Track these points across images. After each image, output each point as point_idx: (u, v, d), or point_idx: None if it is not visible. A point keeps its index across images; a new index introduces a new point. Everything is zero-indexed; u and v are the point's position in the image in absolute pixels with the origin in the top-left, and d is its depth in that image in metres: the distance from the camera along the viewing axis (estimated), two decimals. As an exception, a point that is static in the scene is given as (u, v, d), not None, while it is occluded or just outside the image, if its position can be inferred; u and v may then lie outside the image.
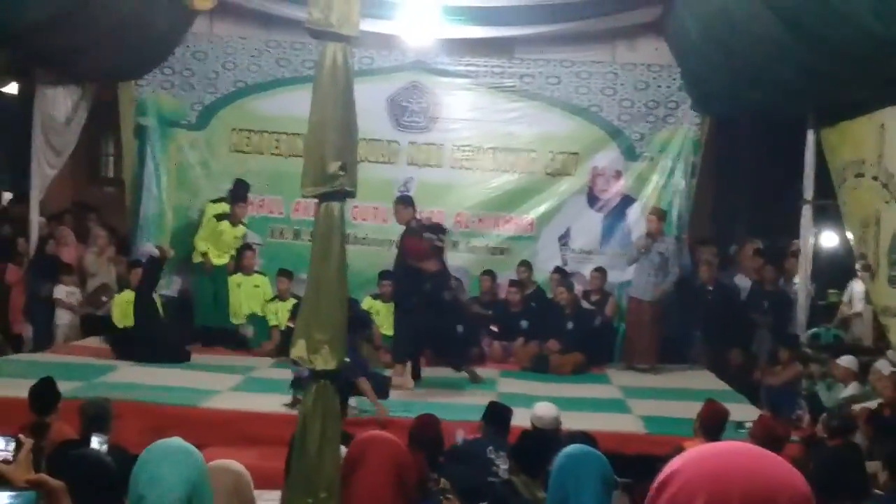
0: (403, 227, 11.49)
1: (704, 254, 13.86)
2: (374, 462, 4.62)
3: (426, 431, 6.94)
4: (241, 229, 13.69)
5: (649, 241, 12.76)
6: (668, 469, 1.76)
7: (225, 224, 13.54)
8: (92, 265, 13.69)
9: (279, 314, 13.12)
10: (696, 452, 1.77)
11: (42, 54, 11.95)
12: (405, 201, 11.67)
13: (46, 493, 3.00)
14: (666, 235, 13.09)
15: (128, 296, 12.94)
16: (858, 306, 12.25)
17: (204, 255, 13.56)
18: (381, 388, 9.72)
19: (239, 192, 13.75)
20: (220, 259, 13.56)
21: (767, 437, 6.87)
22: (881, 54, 8.02)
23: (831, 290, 13.38)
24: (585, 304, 13.29)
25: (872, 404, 9.07)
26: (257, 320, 13.50)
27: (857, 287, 12.27)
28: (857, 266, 11.76)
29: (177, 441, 3.48)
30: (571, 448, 4.47)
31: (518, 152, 14.50)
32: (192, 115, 14.62)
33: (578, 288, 13.60)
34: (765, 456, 1.74)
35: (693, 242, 14.26)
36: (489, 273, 13.88)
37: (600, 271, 13.70)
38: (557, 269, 13.75)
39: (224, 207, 13.61)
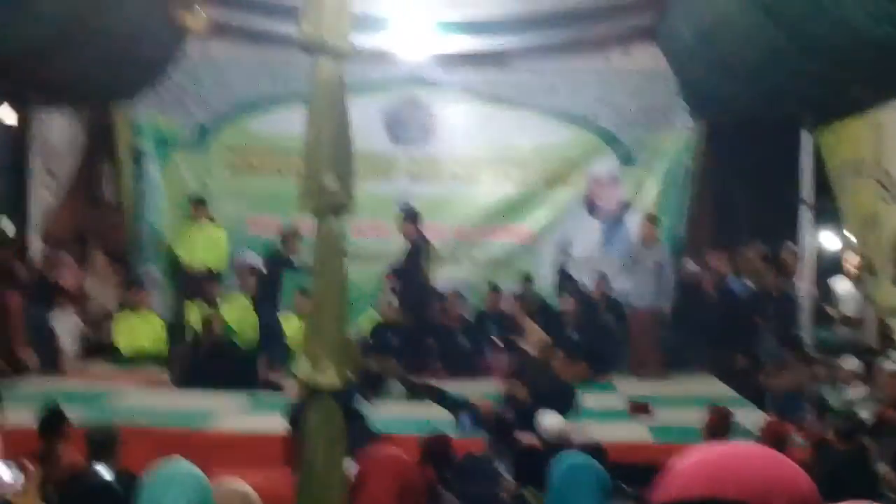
0: (404, 242, 11.51)
1: (707, 258, 13.83)
2: (379, 479, 4.60)
3: (436, 447, 6.94)
4: (212, 228, 13.73)
5: (643, 249, 12.77)
6: (667, 468, 1.76)
7: (193, 225, 13.77)
8: (92, 289, 13.67)
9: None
10: (696, 451, 1.78)
11: (37, 81, 11.95)
12: (409, 216, 11.68)
13: None
14: (660, 242, 13.08)
15: (129, 318, 12.94)
16: (847, 306, 12.13)
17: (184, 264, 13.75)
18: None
19: (194, 199, 13.87)
20: (191, 258, 13.63)
21: (775, 441, 6.84)
22: (875, 55, 8.02)
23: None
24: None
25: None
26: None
27: (840, 287, 12.19)
28: (848, 265, 11.78)
29: (180, 462, 3.47)
30: (568, 458, 4.48)
31: (515, 163, 14.51)
32: (189, 136, 14.63)
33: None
34: (764, 454, 1.73)
35: (694, 247, 14.24)
36: (493, 286, 13.81)
37: (601, 277, 13.64)
38: (562, 273, 13.73)
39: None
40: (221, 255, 13.74)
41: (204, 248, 13.65)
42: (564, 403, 9.57)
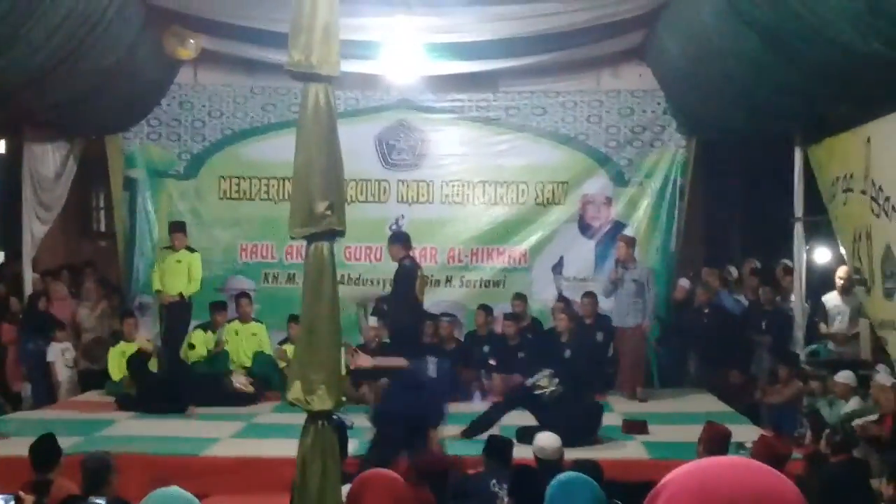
0: (396, 265, 11.49)
1: (702, 275, 13.85)
2: (373, 500, 4.59)
3: (431, 465, 6.91)
4: (182, 254, 13.38)
5: (621, 270, 12.76)
6: (660, 482, 1.77)
7: (167, 253, 13.50)
8: (86, 320, 13.67)
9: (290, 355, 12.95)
10: (688, 465, 1.78)
11: (29, 111, 11.98)
12: (398, 239, 11.68)
13: None
14: (637, 262, 13.04)
15: (123, 347, 12.90)
16: (836, 322, 12.10)
17: (158, 291, 13.53)
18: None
19: (174, 227, 13.63)
20: (164, 285, 13.40)
21: (769, 455, 6.83)
22: (862, 70, 8.05)
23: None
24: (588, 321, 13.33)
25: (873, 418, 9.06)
26: (256, 369, 13.33)
27: (830, 302, 12.15)
28: (839, 280, 11.77)
29: (173, 490, 3.46)
30: (563, 476, 4.48)
31: (507, 184, 14.55)
32: (181, 164, 14.69)
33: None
34: (755, 468, 1.74)
35: (687, 264, 14.26)
36: (484, 307, 13.82)
37: (590, 296, 13.63)
38: (561, 298, 13.75)
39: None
40: (194, 281, 13.46)
41: (177, 274, 13.40)
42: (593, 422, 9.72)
